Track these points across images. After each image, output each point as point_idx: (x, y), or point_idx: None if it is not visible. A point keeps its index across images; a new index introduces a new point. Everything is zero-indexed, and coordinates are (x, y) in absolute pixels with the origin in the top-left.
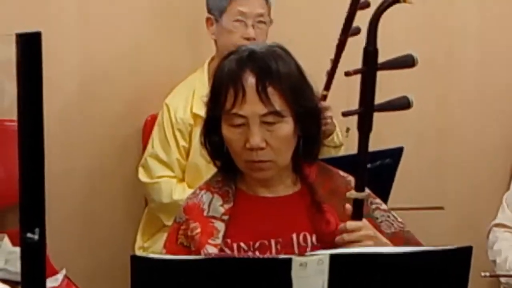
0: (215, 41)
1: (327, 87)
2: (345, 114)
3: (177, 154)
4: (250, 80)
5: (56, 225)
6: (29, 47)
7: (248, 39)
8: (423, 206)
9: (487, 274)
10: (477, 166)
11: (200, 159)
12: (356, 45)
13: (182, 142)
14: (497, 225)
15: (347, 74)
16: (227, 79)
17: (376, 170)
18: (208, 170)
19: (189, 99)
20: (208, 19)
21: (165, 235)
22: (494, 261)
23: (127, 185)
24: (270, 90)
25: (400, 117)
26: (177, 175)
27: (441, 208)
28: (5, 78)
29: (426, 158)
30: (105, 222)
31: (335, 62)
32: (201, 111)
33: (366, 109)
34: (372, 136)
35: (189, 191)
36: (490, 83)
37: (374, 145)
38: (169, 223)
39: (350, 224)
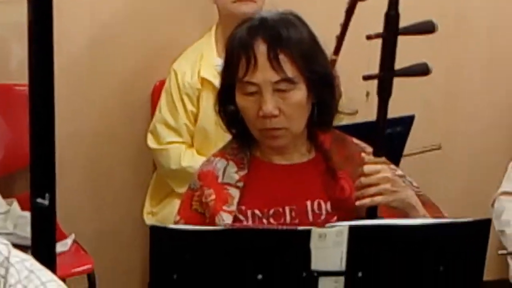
0: (216, 3)
1: (337, 51)
2: (365, 78)
3: (185, 119)
4: (261, 48)
5: (64, 190)
6: (41, 10)
7: None
8: (420, 150)
9: (504, 252)
10: (484, 134)
11: (209, 123)
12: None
13: (190, 107)
14: (503, 193)
15: (369, 37)
16: (238, 48)
17: (387, 138)
18: (216, 134)
19: (196, 63)
20: None
21: (174, 201)
22: (502, 231)
23: (136, 150)
24: (281, 57)
25: (409, 83)
26: (185, 141)
27: (438, 148)
28: (14, 40)
29: (434, 125)
30: (113, 187)
31: (345, 26)
32: (209, 75)
33: (386, 74)
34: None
35: (198, 157)
36: (501, 50)
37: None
38: (178, 189)
39: (368, 167)
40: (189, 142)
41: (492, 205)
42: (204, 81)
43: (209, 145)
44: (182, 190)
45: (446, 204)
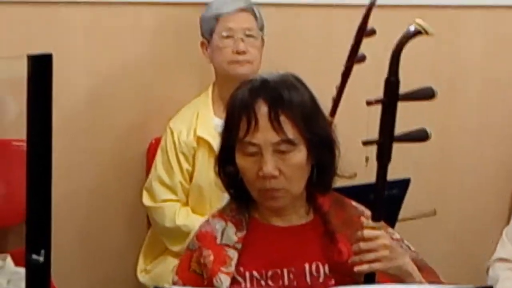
0: (213, 64)
1: (333, 113)
2: (365, 143)
3: (180, 178)
4: (262, 109)
5: (58, 247)
6: (40, 69)
7: (238, 52)
8: (415, 215)
9: None
10: (477, 195)
11: (204, 182)
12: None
13: (185, 165)
14: (498, 259)
15: (369, 103)
16: (240, 108)
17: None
18: (211, 192)
19: (193, 122)
20: (202, 43)
21: (168, 258)
22: None
23: (130, 208)
24: (282, 118)
25: (402, 145)
26: (180, 199)
27: (433, 214)
28: (9, 96)
29: (427, 187)
30: (107, 244)
31: (341, 89)
32: (205, 134)
33: (386, 140)
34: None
35: (193, 216)
36: (492, 113)
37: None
38: (172, 247)
39: (368, 232)
40: (184, 200)
41: (487, 271)
42: (200, 140)
43: (204, 204)
44: (177, 248)
45: (438, 267)
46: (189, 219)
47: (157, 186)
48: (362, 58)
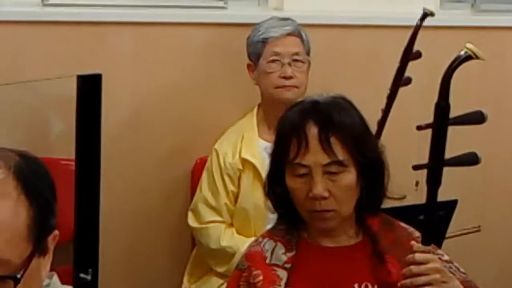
0: (259, 86)
1: (378, 136)
2: (415, 168)
3: (225, 199)
4: (313, 130)
5: (104, 266)
6: (90, 89)
7: (285, 77)
8: (460, 232)
9: None
10: None
11: (248, 204)
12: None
13: (231, 187)
14: None
15: (419, 128)
16: (290, 130)
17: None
18: (256, 215)
19: (238, 144)
20: (249, 65)
21: (212, 279)
22: None
23: (175, 228)
24: (332, 140)
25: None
26: (225, 220)
27: (478, 230)
28: (57, 115)
29: (470, 210)
30: (152, 264)
31: (386, 111)
32: (250, 156)
33: (436, 164)
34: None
35: (237, 237)
36: None
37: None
38: (217, 268)
39: (419, 255)
40: (229, 221)
41: None
42: (245, 162)
43: (248, 225)
44: (221, 269)
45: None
46: (234, 241)
47: (202, 207)
48: (408, 81)
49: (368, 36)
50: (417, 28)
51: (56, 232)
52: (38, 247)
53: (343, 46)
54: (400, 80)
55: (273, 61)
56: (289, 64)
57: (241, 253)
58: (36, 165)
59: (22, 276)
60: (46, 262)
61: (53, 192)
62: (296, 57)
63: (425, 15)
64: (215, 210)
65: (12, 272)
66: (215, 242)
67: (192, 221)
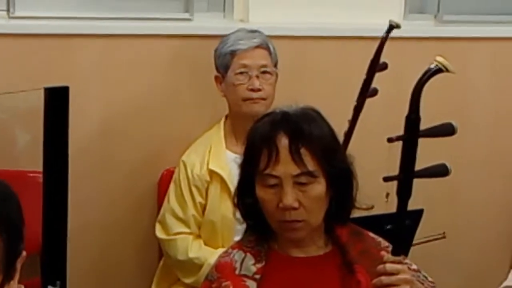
0: (226, 98)
1: (345, 147)
2: (386, 179)
3: (193, 211)
4: (283, 141)
5: (72, 279)
6: (57, 101)
7: (253, 90)
8: (426, 239)
9: None
10: (486, 227)
11: (216, 215)
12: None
13: (198, 199)
14: (505, 287)
15: (390, 140)
16: (260, 141)
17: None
18: (223, 226)
19: (205, 155)
20: (216, 77)
21: None
22: None
23: (142, 239)
24: (303, 151)
25: None
26: (193, 232)
27: (443, 237)
28: (21, 128)
29: (435, 220)
30: (120, 276)
31: (353, 123)
32: (217, 168)
33: (407, 176)
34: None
35: (205, 249)
36: (501, 145)
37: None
38: (185, 279)
39: (390, 266)
40: (197, 233)
41: None
42: (212, 173)
43: (216, 237)
44: (189, 280)
45: None
46: (201, 252)
47: (170, 218)
48: (375, 92)
49: (333, 48)
50: (383, 40)
51: (24, 253)
52: (7, 275)
53: (309, 57)
54: (366, 91)
55: (241, 73)
56: (257, 76)
57: (209, 264)
58: (3, 188)
59: None
60: (14, 282)
61: (21, 214)
62: (264, 69)
63: (391, 27)
64: (183, 221)
65: None
66: (182, 254)
67: (159, 233)
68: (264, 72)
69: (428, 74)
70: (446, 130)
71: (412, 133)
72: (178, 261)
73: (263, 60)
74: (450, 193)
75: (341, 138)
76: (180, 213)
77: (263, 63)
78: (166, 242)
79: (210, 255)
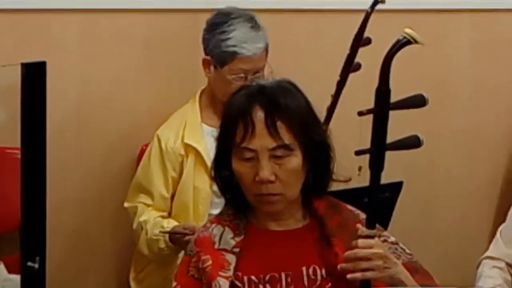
0: (210, 81)
1: (327, 121)
2: (358, 153)
3: (161, 188)
4: (259, 114)
5: (52, 253)
6: (34, 77)
7: None
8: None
9: None
10: (466, 198)
11: (190, 188)
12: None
13: (171, 173)
14: (488, 257)
15: (360, 113)
16: (236, 114)
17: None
18: (197, 200)
19: (180, 129)
20: (206, 60)
21: (156, 272)
22: None
23: (121, 214)
24: (279, 124)
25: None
26: (155, 205)
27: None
28: (2, 104)
29: (415, 193)
30: (100, 250)
31: (336, 97)
32: (192, 141)
33: (378, 148)
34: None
35: (154, 213)
36: (482, 116)
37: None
38: (141, 250)
39: (362, 241)
40: (159, 207)
41: (477, 268)
42: (187, 147)
43: (187, 210)
44: (145, 250)
45: (431, 270)
46: (150, 215)
47: (134, 188)
48: (358, 67)
49: (313, 21)
50: (367, 15)
51: None
52: None
53: (291, 31)
54: (350, 66)
55: (239, 76)
56: (252, 80)
57: (146, 232)
58: None
59: None
60: None
61: None
62: (260, 70)
63: (375, 2)
64: (147, 193)
65: None
66: (136, 221)
67: (126, 202)
68: (258, 72)
69: (397, 46)
70: (417, 101)
71: (382, 106)
72: (133, 230)
73: (262, 62)
74: (429, 165)
75: (324, 113)
76: (145, 185)
77: (261, 66)
78: (129, 210)
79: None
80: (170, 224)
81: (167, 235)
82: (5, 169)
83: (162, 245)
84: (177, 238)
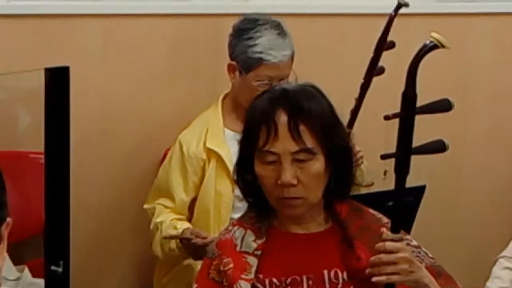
0: (234, 86)
1: (350, 125)
2: (383, 157)
3: (180, 192)
4: (282, 118)
5: (75, 258)
6: (57, 81)
7: None
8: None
9: None
10: (489, 202)
11: (210, 193)
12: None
13: (192, 178)
14: (503, 257)
15: (387, 118)
16: (259, 117)
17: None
18: (219, 204)
19: (202, 134)
20: (231, 65)
21: (180, 274)
22: None
23: (144, 218)
24: (301, 128)
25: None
26: (174, 208)
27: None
28: (22, 109)
29: (437, 196)
30: (123, 255)
31: (359, 101)
32: (214, 146)
33: (404, 153)
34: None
35: (174, 221)
36: (503, 120)
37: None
38: (156, 250)
39: (390, 245)
40: (178, 211)
41: (493, 266)
42: (209, 151)
43: (208, 215)
44: (158, 252)
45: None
46: (166, 216)
47: (155, 191)
48: (381, 71)
49: (337, 25)
50: (391, 19)
51: (9, 219)
52: None
53: (315, 35)
54: (374, 69)
55: (264, 83)
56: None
57: (160, 232)
58: None
59: None
60: (1, 249)
61: (1, 181)
62: (285, 78)
63: (399, 5)
64: (167, 196)
65: None
66: (153, 221)
67: (145, 205)
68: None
69: (424, 51)
70: (443, 106)
71: (408, 110)
72: (151, 231)
73: (288, 69)
74: (452, 169)
75: (347, 116)
76: (164, 187)
77: (287, 73)
78: (148, 211)
79: (166, 225)
80: (183, 226)
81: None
82: (29, 174)
83: (172, 246)
84: (185, 242)
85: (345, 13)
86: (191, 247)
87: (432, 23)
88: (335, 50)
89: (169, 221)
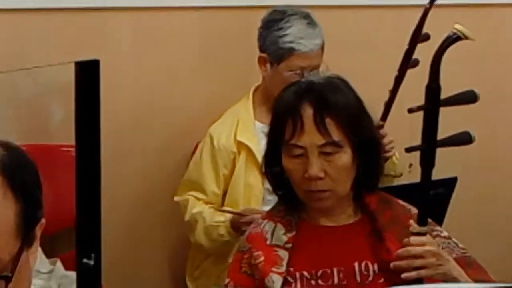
0: (265, 79)
1: (384, 117)
2: (408, 150)
3: (212, 184)
4: (308, 111)
5: (107, 250)
6: (88, 75)
7: None
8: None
9: None
10: None
11: (240, 186)
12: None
13: (223, 171)
14: None
15: (411, 110)
16: (285, 111)
17: (430, 200)
18: (249, 197)
19: (233, 127)
20: (262, 58)
21: (211, 268)
22: None
23: (176, 211)
24: (328, 120)
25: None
26: (207, 200)
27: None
28: (53, 102)
29: (472, 189)
30: (155, 247)
31: (393, 93)
32: (245, 139)
33: (429, 145)
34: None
35: (211, 211)
36: None
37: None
38: (191, 238)
39: (415, 239)
40: (210, 203)
41: None
42: (240, 144)
43: (238, 207)
44: (192, 238)
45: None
46: (203, 208)
47: (186, 183)
48: (416, 63)
49: (370, 17)
50: (426, 11)
51: (43, 220)
52: (26, 241)
53: (349, 27)
54: (408, 62)
55: (296, 73)
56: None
57: (204, 220)
58: (20, 157)
59: (13, 274)
60: (34, 249)
61: (38, 181)
62: (317, 68)
63: None
64: (198, 190)
65: (1, 269)
66: (188, 213)
67: (176, 197)
68: (314, 68)
69: (448, 43)
70: (468, 98)
71: (432, 102)
72: (186, 222)
73: (318, 60)
74: (486, 162)
75: (381, 108)
76: (196, 180)
77: (317, 63)
78: (180, 203)
79: (208, 213)
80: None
81: (228, 222)
82: (60, 167)
83: (222, 231)
84: (238, 224)
85: (380, 4)
86: (245, 225)
87: (465, 14)
88: (369, 43)
89: (207, 209)
